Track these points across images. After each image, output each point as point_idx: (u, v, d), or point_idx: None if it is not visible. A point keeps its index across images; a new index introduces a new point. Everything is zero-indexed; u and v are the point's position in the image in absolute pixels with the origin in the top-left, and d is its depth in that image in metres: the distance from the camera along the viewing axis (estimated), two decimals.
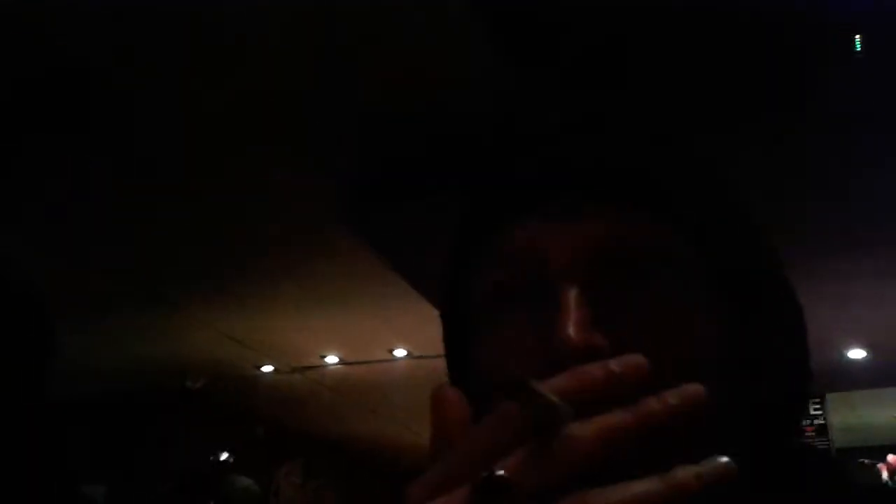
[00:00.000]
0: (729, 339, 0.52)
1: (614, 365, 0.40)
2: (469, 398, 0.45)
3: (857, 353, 5.92)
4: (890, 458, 7.05)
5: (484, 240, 0.56)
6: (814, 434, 6.63)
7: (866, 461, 7.07)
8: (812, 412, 6.69)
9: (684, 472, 0.36)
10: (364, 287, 4.39)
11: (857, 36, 2.53)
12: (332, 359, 5.88)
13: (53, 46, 2.59)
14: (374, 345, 5.48)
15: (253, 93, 2.84)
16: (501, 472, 0.37)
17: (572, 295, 0.49)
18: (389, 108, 2.88)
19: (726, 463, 0.37)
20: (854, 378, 6.25)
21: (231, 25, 2.51)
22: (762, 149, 3.08)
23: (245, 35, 2.55)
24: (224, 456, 4.83)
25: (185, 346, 5.48)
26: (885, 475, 6.89)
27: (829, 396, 6.69)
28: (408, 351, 5.53)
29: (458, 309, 0.58)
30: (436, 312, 0.64)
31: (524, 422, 0.38)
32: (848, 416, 6.98)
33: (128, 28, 2.51)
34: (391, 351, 5.59)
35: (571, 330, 0.47)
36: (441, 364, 0.61)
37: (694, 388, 0.39)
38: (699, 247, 0.53)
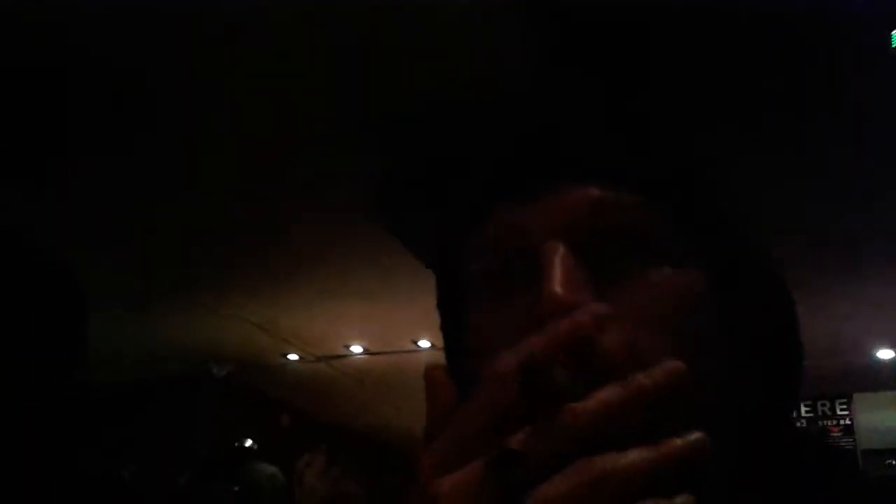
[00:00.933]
0: (717, 319, 0.51)
1: (586, 316, 0.42)
2: (467, 383, 0.47)
3: (885, 354, 5.84)
4: None
5: (473, 225, 0.56)
6: (840, 434, 6.56)
7: (894, 462, 6.98)
8: (839, 412, 6.62)
9: (674, 442, 0.40)
10: (389, 278, 4.41)
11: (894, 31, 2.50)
12: (356, 348, 5.91)
13: (82, 41, 2.62)
14: (398, 335, 5.50)
15: (283, 86, 2.87)
16: (513, 445, 0.39)
17: (558, 255, 0.48)
18: (418, 103, 2.89)
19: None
20: (882, 378, 6.16)
21: (260, 19, 2.53)
22: (794, 149, 3.06)
23: (274, 28, 2.57)
24: (249, 443, 4.87)
25: (211, 334, 5.54)
26: None
27: (856, 397, 6.61)
28: (432, 342, 5.55)
29: (453, 295, 0.59)
30: None
31: (527, 396, 0.40)
32: (875, 417, 6.90)
33: (155, 23, 2.54)
34: (415, 342, 5.61)
35: (558, 287, 0.47)
36: None
37: (675, 364, 0.41)
38: (684, 226, 0.53)
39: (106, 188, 3.57)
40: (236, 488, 4.40)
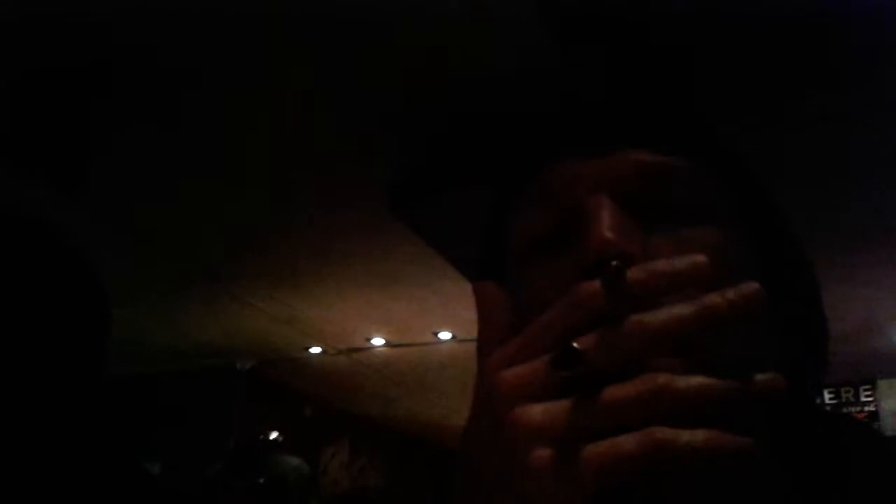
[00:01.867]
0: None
1: (677, 262, 0.41)
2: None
3: None
4: None
5: (524, 185, 0.56)
6: (865, 420, 6.51)
7: None
8: (863, 399, 6.57)
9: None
10: (410, 271, 4.43)
11: None
12: (378, 341, 5.95)
13: (116, 29, 2.66)
14: (419, 328, 5.52)
15: (311, 81, 2.88)
16: (576, 345, 0.40)
17: (604, 205, 0.48)
18: (435, 92, 2.89)
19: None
20: None
21: (282, 12, 2.55)
22: (820, 133, 3.03)
23: (291, 17, 2.58)
24: (274, 435, 4.91)
25: (235, 328, 5.59)
26: None
27: (880, 383, 6.56)
28: (452, 334, 5.57)
29: (498, 258, 0.59)
30: None
31: (598, 303, 0.40)
32: None
33: (188, 11, 2.56)
34: (436, 334, 5.63)
35: (607, 232, 0.46)
36: None
37: (752, 286, 0.40)
38: (728, 193, 0.53)
39: (134, 181, 3.61)
40: (262, 480, 4.44)
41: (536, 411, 0.39)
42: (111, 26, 2.61)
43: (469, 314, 0.65)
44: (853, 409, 6.52)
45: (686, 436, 0.37)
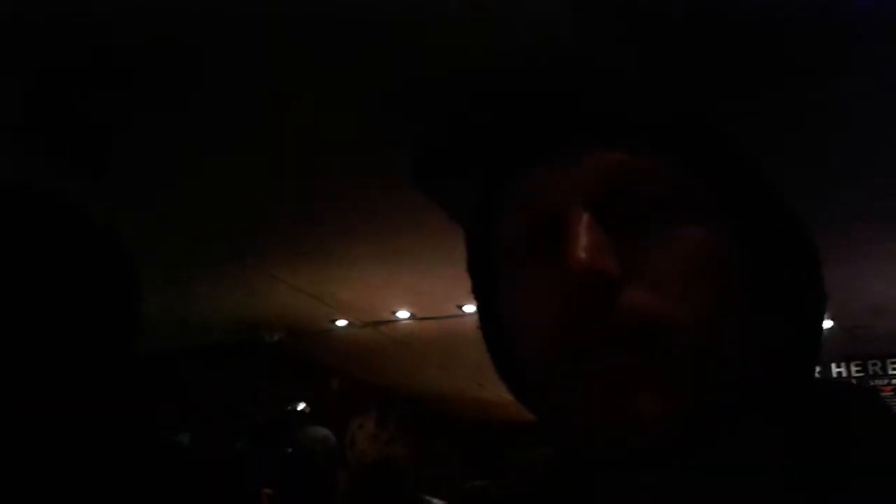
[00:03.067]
0: (741, 273, 0.51)
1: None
2: (501, 347, 0.49)
3: None
4: None
5: (504, 188, 0.57)
6: (892, 394, 6.47)
7: None
8: (891, 371, 6.52)
9: None
10: (435, 244, 4.45)
11: None
12: (403, 314, 5.99)
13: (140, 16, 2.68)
14: (444, 301, 5.55)
15: (326, 56, 2.90)
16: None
17: (583, 221, 0.49)
18: (459, 69, 2.90)
19: None
20: None
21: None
22: (834, 109, 3.00)
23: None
24: (301, 406, 4.97)
25: (262, 301, 5.65)
26: None
27: None
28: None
29: (485, 257, 0.60)
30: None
31: None
32: None
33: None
34: (461, 307, 5.66)
35: (582, 252, 0.47)
36: None
37: None
38: (710, 188, 0.53)
39: (160, 156, 3.65)
40: (290, 451, 4.49)
41: None
42: (134, 11, 2.63)
43: None
44: (880, 383, 6.48)
45: None
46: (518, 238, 0.55)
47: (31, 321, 0.81)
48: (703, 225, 0.52)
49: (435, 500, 3.62)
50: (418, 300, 5.65)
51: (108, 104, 3.17)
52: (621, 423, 0.46)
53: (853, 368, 6.55)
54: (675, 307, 0.48)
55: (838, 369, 6.49)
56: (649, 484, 0.50)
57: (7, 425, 0.79)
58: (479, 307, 0.64)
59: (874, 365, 6.54)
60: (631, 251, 0.49)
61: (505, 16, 2.57)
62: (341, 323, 6.20)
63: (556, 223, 0.51)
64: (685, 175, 0.53)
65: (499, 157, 0.58)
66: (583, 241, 0.48)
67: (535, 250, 0.53)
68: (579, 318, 0.48)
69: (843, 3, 2.43)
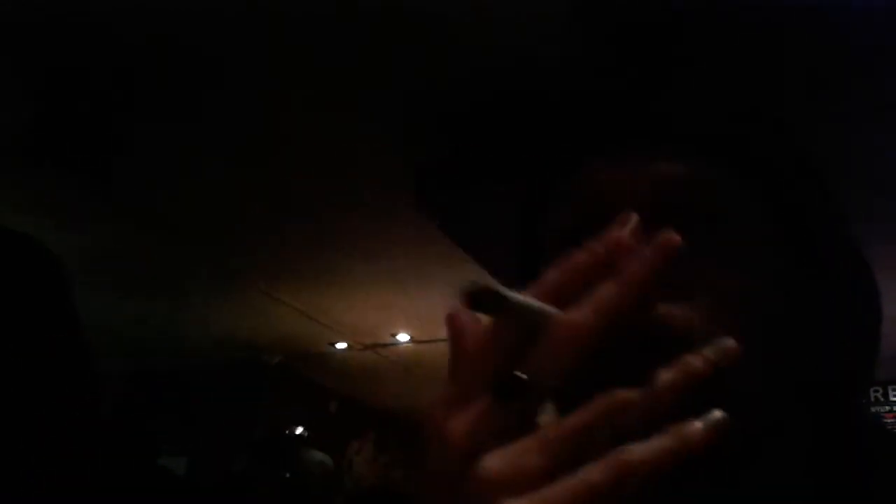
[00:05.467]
0: (789, 304, 0.50)
1: (597, 247, 0.41)
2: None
3: None
4: None
5: (555, 184, 0.56)
6: (895, 421, 6.43)
7: None
8: (892, 397, 6.49)
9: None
10: (435, 267, 4.43)
11: None
12: (403, 337, 5.97)
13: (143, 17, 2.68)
14: (443, 324, 5.52)
15: (326, 72, 2.89)
16: (516, 373, 0.38)
17: (629, 224, 0.46)
18: (459, 84, 2.88)
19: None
20: None
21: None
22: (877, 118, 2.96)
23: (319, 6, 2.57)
24: (299, 430, 4.95)
25: (262, 322, 5.63)
26: None
27: None
28: None
29: (530, 258, 0.58)
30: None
31: (516, 328, 0.39)
32: None
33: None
34: None
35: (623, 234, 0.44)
36: None
37: (666, 236, 0.40)
38: (769, 206, 0.52)
39: (159, 176, 3.65)
40: (287, 475, 4.46)
41: (495, 463, 0.37)
42: (136, 14, 2.62)
43: None
44: (882, 409, 6.44)
45: (653, 446, 0.36)
46: (563, 240, 0.52)
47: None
48: (757, 246, 0.50)
49: None
50: (418, 323, 5.63)
51: (106, 110, 3.14)
52: None
53: None
54: (713, 325, 0.46)
55: None
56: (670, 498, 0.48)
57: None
58: None
59: (876, 392, 6.51)
60: (678, 263, 0.47)
61: (532, 11, 2.53)
62: (340, 345, 6.18)
63: (603, 225, 0.48)
64: (746, 193, 0.51)
65: (557, 154, 0.57)
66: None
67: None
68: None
69: None
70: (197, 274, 4.77)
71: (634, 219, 0.45)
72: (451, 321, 0.44)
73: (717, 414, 0.37)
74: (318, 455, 4.64)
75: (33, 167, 3.33)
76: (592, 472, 0.36)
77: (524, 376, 0.38)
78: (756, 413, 0.45)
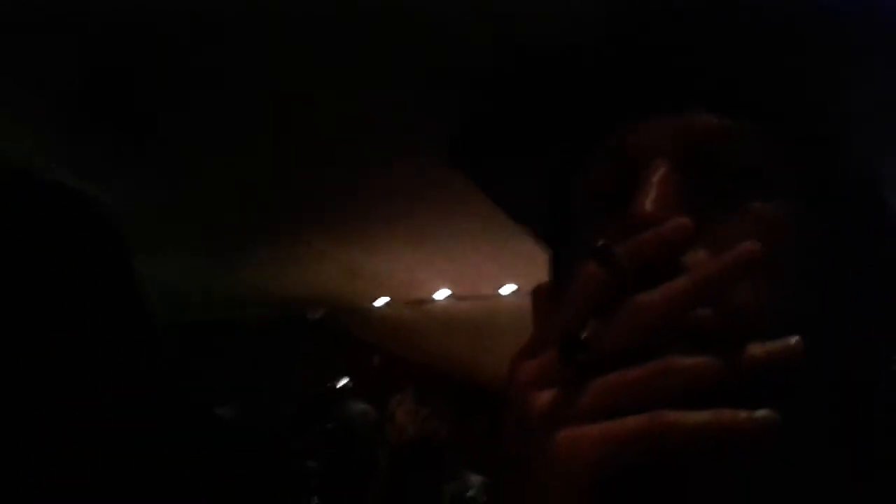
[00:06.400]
0: (824, 259, 0.49)
1: (664, 230, 0.42)
2: None
3: None
4: None
5: (590, 146, 0.56)
6: None
7: None
8: None
9: (755, 348, 0.38)
10: (476, 224, 4.44)
11: None
12: (443, 293, 6.01)
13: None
14: (484, 281, 5.55)
15: (366, 37, 2.89)
16: (578, 333, 0.40)
17: (659, 173, 0.46)
18: (498, 47, 2.87)
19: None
20: None
21: None
22: None
23: None
24: (343, 381, 5.00)
25: (306, 278, 5.70)
26: None
27: None
28: (517, 287, 5.59)
29: (563, 220, 0.59)
30: (544, 252, 0.65)
31: (599, 287, 0.41)
32: None
33: None
34: (500, 287, 5.65)
35: (649, 205, 0.45)
36: None
37: (748, 245, 0.40)
38: (802, 162, 0.50)
39: (203, 131, 3.69)
40: (330, 426, 4.52)
41: (545, 398, 0.41)
42: (133, 11, 2.65)
43: (534, 268, 0.67)
44: None
45: (693, 416, 0.36)
46: (599, 189, 0.53)
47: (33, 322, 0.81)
48: (790, 203, 0.49)
49: (474, 476, 3.65)
50: (459, 279, 5.65)
51: (155, 70, 3.19)
52: None
53: None
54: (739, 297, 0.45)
55: None
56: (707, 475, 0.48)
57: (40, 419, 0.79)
58: (553, 268, 0.64)
59: None
60: (709, 217, 0.47)
61: None
62: (381, 301, 6.23)
63: (636, 175, 0.48)
64: (781, 150, 0.50)
65: (590, 112, 0.56)
66: (653, 192, 0.46)
67: (617, 203, 0.50)
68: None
69: None
70: (245, 232, 4.83)
71: (663, 171, 0.46)
72: (535, 293, 0.50)
73: (767, 412, 0.37)
74: (361, 406, 4.69)
75: (87, 126, 3.39)
76: (628, 421, 0.38)
77: (584, 337, 0.41)
78: (801, 407, 0.44)
